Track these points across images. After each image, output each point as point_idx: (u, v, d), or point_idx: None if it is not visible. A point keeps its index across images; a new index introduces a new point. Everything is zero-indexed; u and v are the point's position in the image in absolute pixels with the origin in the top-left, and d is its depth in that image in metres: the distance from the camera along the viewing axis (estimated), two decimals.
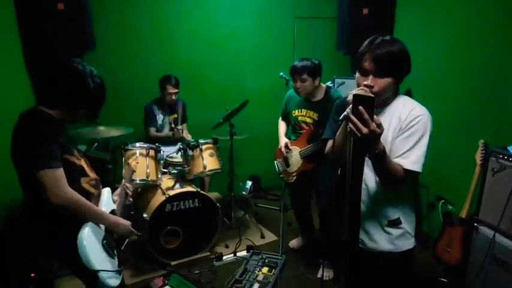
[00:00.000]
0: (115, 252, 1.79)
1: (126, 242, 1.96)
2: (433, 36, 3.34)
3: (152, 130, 3.69)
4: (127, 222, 1.84)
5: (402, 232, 1.56)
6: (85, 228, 1.61)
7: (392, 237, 1.56)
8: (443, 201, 3.14)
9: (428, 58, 3.33)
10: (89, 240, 1.59)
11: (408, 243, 1.59)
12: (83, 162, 1.73)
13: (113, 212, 1.86)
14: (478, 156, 2.68)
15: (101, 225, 1.73)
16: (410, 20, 3.57)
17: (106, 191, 1.90)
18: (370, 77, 1.41)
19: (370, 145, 1.28)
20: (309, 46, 4.57)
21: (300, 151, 2.91)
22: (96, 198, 1.78)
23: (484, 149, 2.66)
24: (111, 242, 1.77)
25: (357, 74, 1.47)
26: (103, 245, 1.68)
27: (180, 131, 3.49)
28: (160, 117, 3.71)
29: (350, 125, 1.23)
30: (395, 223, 1.55)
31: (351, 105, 1.29)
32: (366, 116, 1.20)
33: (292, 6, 4.48)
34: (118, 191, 2.03)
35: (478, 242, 2.45)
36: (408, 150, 1.43)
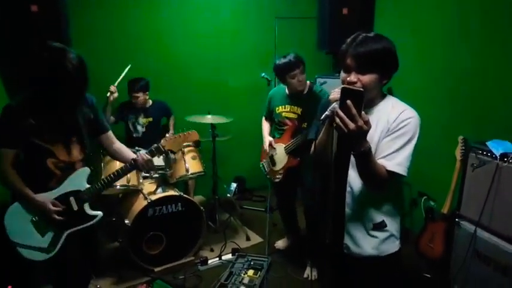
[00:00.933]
0: (49, 233, 1.87)
1: (80, 226, 1.93)
2: (412, 34, 3.39)
3: (107, 112, 3.48)
4: (44, 199, 1.83)
5: (387, 235, 1.54)
6: (14, 204, 1.83)
7: (377, 241, 1.53)
8: (425, 197, 3.18)
9: (407, 56, 3.36)
10: (13, 213, 1.82)
11: (393, 246, 1.57)
12: (56, 147, 1.84)
13: (77, 192, 1.90)
14: (458, 152, 2.72)
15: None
16: (389, 18, 3.60)
17: (79, 171, 1.93)
18: (353, 73, 1.38)
19: (356, 142, 1.26)
20: (290, 45, 4.55)
21: (284, 147, 2.90)
22: (60, 178, 1.88)
23: (463, 145, 2.69)
24: (45, 222, 1.85)
25: (342, 72, 1.45)
26: (32, 221, 1.84)
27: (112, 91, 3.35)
28: (131, 117, 3.58)
29: (337, 119, 1.20)
30: (381, 226, 1.52)
31: (332, 105, 1.28)
32: (354, 111, 1.18)
33: (272, 7, 4.47)
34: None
35: (460, 237, 2.49)
36: (394, 152, 1.40)
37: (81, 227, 1.93)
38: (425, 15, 3.25)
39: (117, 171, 2.01)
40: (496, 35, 2.64)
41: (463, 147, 2.69)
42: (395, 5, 3.54)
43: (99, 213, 1.96)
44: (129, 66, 3.43)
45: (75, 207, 1.91)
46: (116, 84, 3.34)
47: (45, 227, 1.87)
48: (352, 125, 1.19)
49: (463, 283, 2.44)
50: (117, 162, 2.91)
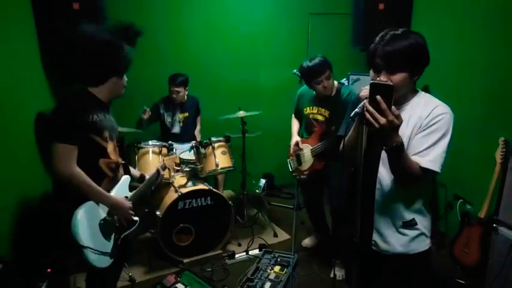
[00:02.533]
0: (112, 236, 1.83)
1: (131, 230, 1.97)
2: (452, 30, 3.25)
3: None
4: (127, 204, 1.85)
5: (417, 233, 1.50)
6: (83, 205, 1.68)
7: (406, 238, 1.50)
8: (461, 200, 3.05)
9: (447, 53, 3.24)
10: (84, 215, 1.66)
11: (423, 245, 1.53)
12: (109, 145, 1.81)
13: (125, 198, 1.91)
14: (498, 155, 2.59)
15: (103, 207, 1.79)
16: (428, 14, 3.47)
17: (124, 178, 1.96)
18: (382, 72, 1.36)
19: (387, 137, 1.25)
20: (324, 43, 4.51)
21: (311, 149, 2.88)
22: (110, 180, 1.85)
23: (504, 147, 2.57)
24: (112, 225, 1.82)
25: (371, 72, 1.43)
26: (100, 225, 1.75)
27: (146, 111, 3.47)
28: (168, 114, 3.70)
29: (367, 115, 1.20)
30: (410, 224, 1.49)
31: (362, 102, 1.27)
32: (384, 105, 1.17)
33: (306, 3, 4.42)
34: (152, 172, 2.20)
35: (497, 243, 2.37)
36: (427, 148, 1.37)
37: (131, 230, 1.96)
38: (466, 11, 3.10)
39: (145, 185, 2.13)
40: None
41: (504, 150, 2.56)
42: (434, 1, 3.40)
43: (137, 218, 1.98)
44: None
45: None
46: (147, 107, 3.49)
47: (110, 230, 1.82)
48: (383, 120, 1.19)
49: None
50: (150, 156, 3.01)
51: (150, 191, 2.26)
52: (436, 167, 1.36)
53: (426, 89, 3.42)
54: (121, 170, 1.96)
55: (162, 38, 3.89)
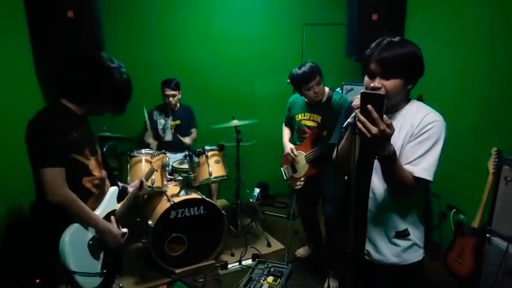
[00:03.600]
0: (101, 255, 1.78)
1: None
2: (444, 41, 3.28)
3: (146, 136, 3.65)
4: (117, 232, 1.79)
5: (410, 244, 1.49)
6: (71, 227, 1.61)
7: (399, 249, 1.49)
8: (454, 210, 3.05)
9: (439, 64, 3.26)
10: (72, 239, 1.59)
11: (416, 256, 1.52)
12: (91, 161, 1.73)
13: (113, 212, 1.86)
14: (491, 165, 2.60)
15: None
16: (420, 25, 3.51)
17: (111, 190, 1.90)
18: (377, 78, 1.36)
19: (379, 146, 1.24)
20: (318, 52, 4.54)
21: (305, 155, 2.88)
22: (97, 197, 1.78)
23: (497, 157, 2.57)
24: (100, 243, 1.75)
25: (365, 78, 1.42)
26: (89, 246, 1.68)
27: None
28: (161, 122, 3.69)
29: (359, 124, 1.20)
30: (403, 234, 1.48)
31: (355, 111, 1.26)
32: (375, 115, 1.17)
33: (301, 13, 4.47)
34: (134, 183, 2.12)
35: (490, 254, 2.36)
36: (419, 157, 1.36)
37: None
38: (457, 22, 3.13)
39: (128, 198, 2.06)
40: None
41: (496, 159, 2.57)
42: (427, 11, 3.44)
43: (126, 230, 1.92)
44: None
45: (115, 225, 1.85)
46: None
47: (99, 249, 1.76)
48: (374, 129, 1.18)
49: None
50: (143, 165, 2.99)
51: (136, 201, 2.20)
52: (429, 175, 1.36)
53: (420, 99, 3.43)
54: (107, 183, 1.90)
55: (155, 47, 3.91)
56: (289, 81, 3.34)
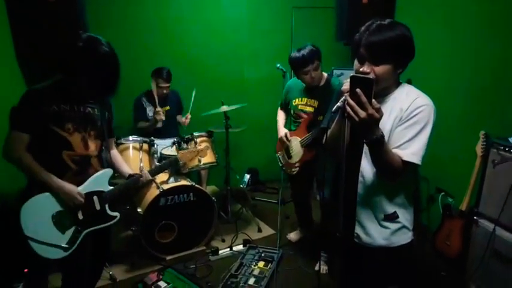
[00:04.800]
0: (71, 230, 1.82)
1: (103, 225, 1.94)
2: (435, 24, 3.26)
3: (140, 123, 3.59)
4: (72, 189, 1.80)
5: (399, 226, 1.50)
6: (35, 197, 1.72)
7: (388, 231, 1.50)
8: (443, 193, 3.09)
9: (429, 47, 3.25)
10: (32, 206, 1.70)
11: (405, 238, 1.53)
12: (74, 137, 1.78)
13: (100, 192, 1.89)
14: (479, 148, 2.62)
15: (60, 199, 1.78)
16: (411, 8, 3.48)
17: (101, 172, 1.91)
18: (366, 63, 1.34)
19: (368, 130, 1.23)
20: (307, 36, 4.45)
21: (300, 140, 2.86)
22: (75, 173, 1.81)
23: (484, 141, 2.60)
24: (70, 218, 1.81)
25: (355, 62, 1.40)
26: (53, 217, 1.76)
27: (161, 112, 3.37)
28: (151, 109, 3.62)
29: (348, 108, 1.19)
30: (392, 217, 1.49)
31: (344, 95, 1.25)
32: (364, 99, 1.16)
33: None
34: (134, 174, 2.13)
35: (478, 236, 2.41)
36: (408, 140, 1.36)
37: (101, 226, 1.93)
38: (449, 5, 3.11)
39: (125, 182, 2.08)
40: None
41: (484, 143, 2.59)
42: None
43: (118, 214, 1.96)
44: (194, 91, 3.52)
45: (98, 207, 1.91)
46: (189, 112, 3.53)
47: (67, 224, 1.81)
48: (363, 113, 1.17)
49: (480, 283, 2.37)
50: (130, 152, 2.96)
51: (130, 191, 2.19)
52: (417, 159, 1.36)
53: (409, 83, 3.43)
54: (96, 165, 1.91)
55: (142, 32, 3.80)
56: (279, 65, 3.32)
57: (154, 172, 2.30)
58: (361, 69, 1.34)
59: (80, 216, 1.85)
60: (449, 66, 3.15)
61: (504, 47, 2.64)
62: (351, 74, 1.21)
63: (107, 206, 1.94)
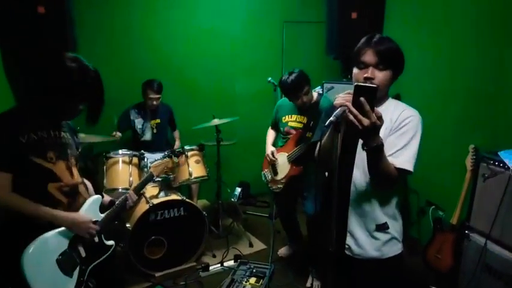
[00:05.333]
0: (76, 271, 1.64)
1: (102, 258, 1.79)
2: (422, 40, 3.32)
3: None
4: (84, 219, 1.66)
5: (389, 237, 1.54)
6: (33, 243, 1.49)
7: (379, 242, 1.53)
8: (433, 206, 3.10)
9: (417, 63, 3.29)
10: (34, 256, 1.48)
11: (395, 249, 1.56)
12: (57, 166, 1.60)
13: (95, 222, 1.74)
14: (469, 162, 2.64)
15: (64, 237, 1.60)
16: (399, 24, 3.53)
17: (93, 199, 1.77)
18: (370, 68, 1.41)
19: (369, 138, 1.28)
20: (298, 51, 4.53)
21: (287, 155, 2.86)
22: (68, 206, 1.64)
23: (474, 155, 2.62)
24: (74, 258, 1.63)
25: (355, 70, 1.47)
26: (58, 262, 1.56)
27: (115, 135, 3.30)
28: (139, 121, 3.58)
29: (350, 117, 1.22)
30: (383, 228, 1.52)
31: (337, 110, 1.28)
32: (367, 107, 1.20)
33: (281, 10, 4.44)
34: (118, 195, 1.97)
35: (469, 250, 2.40)
36: (400, 149, 1.42)
37: (102, 258, 1.79)
38: (436, 21, 3.18)
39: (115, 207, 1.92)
40: (510, 40, 2.56)
41: (474, 157, 2.61)
42: (405, 10, 3.47)
43: (112, 242, 1.84)
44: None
45: (96, 239, 1.76)
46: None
47: (72, 265, 1.63)
48: (366, 121, 1.21)
49: None
50: (120, 166, 2.90)
51: (121, 215, 2.06)
52: (410, 166, 1.41)
53: (398, 97, 3.45)
54: (84, 192, 1.77)
55: (134, 44, 3.79)
56: (270, 79, 3.33)
57: (138, 189, 2.16)
58: (365, 75, 1.41)
59: (83, 253, 1.69)
60: (437, 81, 3.19)
61: (492, 62, 2.69)
62: (355, 83, 1.25)
63: (102, 236, 1.82)
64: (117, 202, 1.93)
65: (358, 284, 1.64)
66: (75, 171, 1.70)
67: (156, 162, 2.42)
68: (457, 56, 2.98)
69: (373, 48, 1.41)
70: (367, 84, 1.27)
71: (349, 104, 1.23)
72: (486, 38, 2.73)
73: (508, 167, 2.15)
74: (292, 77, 2.67)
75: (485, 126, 2.75)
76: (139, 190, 2.18)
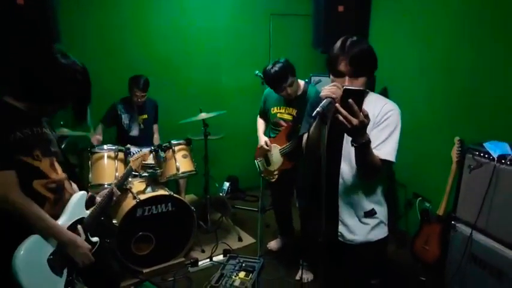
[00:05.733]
0: (65, 270, 1.61)
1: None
2: (409, 33, 3.33)
3: (99, 127, 3.45)
4: (84, 245, 1.63)
5: (377, 222, 1.66)
6: (26, 241, 1.45)
7: (369, 227, 1.65)
8: (420, 198, 3.14)
9: (404, 56, 3.31)
10: (26, 256, 1.43)
11: (383, 232, 1.69)
12: (43, 163, 1.56)
13: (81, 220, 1.70)
14: (454, 154, 2.67)
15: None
16: (386, 17, 3.54)
17: (79, 195, 1.72)
18: (347, 78, 1.48)
19: (358, 135, 1.36)
20: (285, 43, 4.51)
21: (280, 149, 2.84)
22: (54, 203, 1.60)
23: (459, 146, 2.65)
24: (64, 257, 1.59)
25: (332, 77, 1.54)
26: (49, 261, 1.52)
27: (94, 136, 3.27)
28: (126, 116, 3.53)
29: (340, 117, 1.31)
30: (371, 213, 1.64)
31: (324, 101, 1.37)
32: (356, 108, 1.29)
33: (267, 3, 4.40)
34: (104, 192, 1.89)
35: (455, 240, 2.44)
36: (382, 142, 1.53)
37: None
38: (423, 13, 3.19)
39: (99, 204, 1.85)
40: (494, 35, 2.59)
41: (460, 148, 2.64)
42: (393, 3, 3.48)
43: (97, 239, 1.78)
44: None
45: (83, 237, 1.69)
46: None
47: (62, 263, 1.58)
48: (355, 121, 1.30)
49: (458, 287, 2.39)
50: (105, 161, 2.85)
51: (107, 210, 1.97)
52: (392, 157, 1.53)
53: (385, 91, 3.50)
54: (69, 188, 1.72)
55: (119, 37, 3.71)
56: (257, 72, 3.30)
57: (120, 185, 2.07)
58: (343, 85, 1.44)
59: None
60: (423, 74, 3.21)
61: (476, 55, 2.72)
62: (345, 87, 1.34)
63: (88, 233, 1.76)
64: (99, 199, 1.86)
65: (350, 268, 1.76)
66: (58, 167, 1.66)
67: (134, 156, 2.37)
68: (445, 50, 3.00)
69: (347, 56, 1.46)
70: (355, 88, 1.35)
71: (338, 106, 1.31)
72: (473, 32, 2.75)
73: (493, 158, 2.18)
74: (276, 67, 2.61)
75: (470, 118, 2.79)
76: (121, 185, 2.14)
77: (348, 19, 3.45)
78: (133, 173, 2.43)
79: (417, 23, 3.25)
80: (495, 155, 2.17)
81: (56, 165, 1.66)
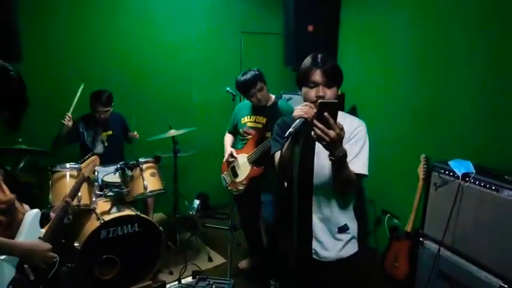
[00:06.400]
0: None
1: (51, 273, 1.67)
2: (375, 52, 3.43)
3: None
4: (44, 247, 1.56)
5: (350, 237, 1.69)
6: None
7: (342, 243, 1.66)
8: (388, 215, 3.18)
9: (371, 74, 3.41)
10: None
11: (354, 247, 1.72)
12: None
13: (52, 250, 1.61)
14: (421, 171, 2.74)
15: (8, 264, 1.46)
16: (353, 37, 3.65)
17: (32, 214, 1.63)
18: (321, 87, 1.52)
19: (335, 148, 1.37)
20: (256, 61, 4.51)
21: (247, 156, 2.82)
22: (7, 225, 1.51)
23: (425, 164, 2.72)
24: (24, 283, 1.49)
25: (304, 89, 1.57)
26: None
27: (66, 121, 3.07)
28: (89, 133, 3.36)
29: (317, 131, 1.33)
30: (344, 229, 1.66)
31: (296, 121, 1.38)
32: (332, 121, 1.32)
33: (238, 21, 4.43)
34: (56, 206, 1.81)
35: (424, 257, 2.48)
36: (355, 156, 1.57)
37: (49, 275, 1.67)
38: (388, 33, 3.30)
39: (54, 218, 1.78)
40: (460, 55, 2.68)
41: (426, 166, 2.71)
42: (360, 23, 3.59)
43: (56, 256, 1.69)
44: (82, 87, 3.13)
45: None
46: (71, 111, 3.06)
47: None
48: (332, 133, 1.32)
49: None
50: (67, 181, 2.70)
51: (64, 224, 1.90)
52: (365, 171, 1.58)
53: (354, 109, 3.57)
54: (19, 207, 1.64)
55: (83, 51, 3.58)
56: (228, 89, 3.29)
57: (73, 195, 2.01)
58: (318, 94, 1.52)
59: (31, 276, 1.57)
60: (389, 93, 3.31)
61: (440, 74, 2.83)
62: (320, 101, 1.36)
63: None
64: (54, 214, 1.77)
65: (322, 282, 1.75)
66: (4, 186, 1.58)
67: (84, 162, 2.30)
68: (409, 69, 3.11)
69: (321, 68, 1.52)
70: (330, 100, 1.38)
71: (315, 120, 1.33)
72: (435, 54, 2.87)
73: (458, 176, 2.25)
74: (246, 75, 2.74)
75: (435, 136, 2.88)
76: (75, 195, 2.06)
77: (318, 38, 3.55)
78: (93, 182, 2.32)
79: (383, 43, 3.36)
80: (459, 173, 2.24)
81: (3, 185, 1.57)
